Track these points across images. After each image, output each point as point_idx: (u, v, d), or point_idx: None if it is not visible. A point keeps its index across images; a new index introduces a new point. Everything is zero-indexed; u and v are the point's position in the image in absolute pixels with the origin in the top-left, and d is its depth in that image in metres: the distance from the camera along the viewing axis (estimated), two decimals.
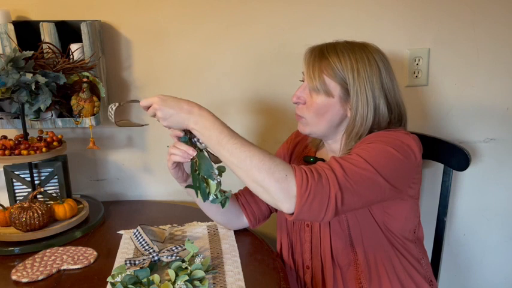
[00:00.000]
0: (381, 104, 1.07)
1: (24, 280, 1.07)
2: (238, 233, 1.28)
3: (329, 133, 1.13)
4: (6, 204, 1.34)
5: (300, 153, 1.28)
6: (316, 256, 1.16)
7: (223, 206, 1.04)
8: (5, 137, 1.33)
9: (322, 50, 1.08)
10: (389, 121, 1.09)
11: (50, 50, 1.28)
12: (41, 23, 1.28)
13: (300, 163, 1.20)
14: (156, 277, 1.01)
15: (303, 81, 1.13)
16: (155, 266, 1.08)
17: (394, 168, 0.98)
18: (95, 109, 1.31)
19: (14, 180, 1.36)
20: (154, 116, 1.01)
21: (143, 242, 1.16)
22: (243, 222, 1.27)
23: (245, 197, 1.27)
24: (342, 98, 1.07)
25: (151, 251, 1.11)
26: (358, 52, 1.06)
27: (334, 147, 1.16)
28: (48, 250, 1.20)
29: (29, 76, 1.19)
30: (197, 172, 1.01)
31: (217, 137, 0.95)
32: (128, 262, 1.06)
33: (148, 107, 1.02)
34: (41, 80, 1.20)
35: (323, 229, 1.13)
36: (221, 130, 0.95)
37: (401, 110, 1.12)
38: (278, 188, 0.88)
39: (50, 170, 1.37)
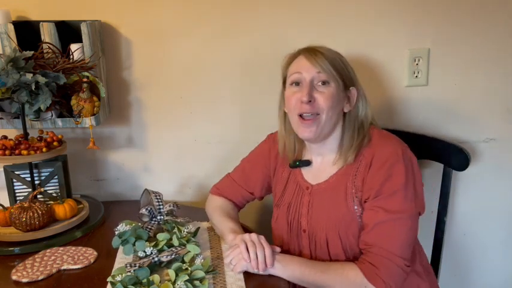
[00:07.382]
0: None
1: (25, 280, 1.07)
2: None
3: (333, 128, 1.14)
4: (6, 204, 1.34)
5: (285, 162, 1.27)
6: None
7: None
8: (5, 137, 1.33)
9: (308, 49, 1.13)
10: None
11: (50, 50, 1.28)
12: (41, 23, 1.28)
13: (288, 170, 1.24)
14: (156, 277, 1.01)
15: (297, 84, 1.14)
16: (155, 266, 1.08)
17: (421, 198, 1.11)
18: (95, 109, 1.31)
19: (14, 180, 1.35)
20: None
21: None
22: None
23: (239, 203, 1.36)
24: (342, 86, 1.12)
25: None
26: (329, 49, 1.14)
27: (329, 147, 1.17)
28: (48, 250, 1.20)
29: (29, 76, 1.19)
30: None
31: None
32: (128, 265, 1.05)
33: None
34: (41, 80, 1.20)
35: (319, 236, 1.15)
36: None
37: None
38: None
39: (50, 170, 1.37)
